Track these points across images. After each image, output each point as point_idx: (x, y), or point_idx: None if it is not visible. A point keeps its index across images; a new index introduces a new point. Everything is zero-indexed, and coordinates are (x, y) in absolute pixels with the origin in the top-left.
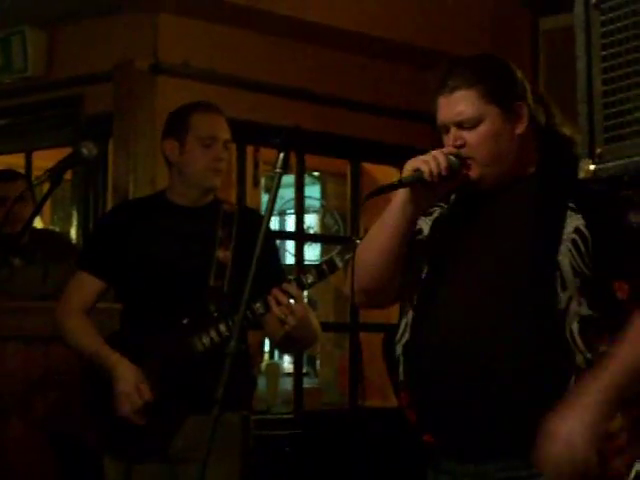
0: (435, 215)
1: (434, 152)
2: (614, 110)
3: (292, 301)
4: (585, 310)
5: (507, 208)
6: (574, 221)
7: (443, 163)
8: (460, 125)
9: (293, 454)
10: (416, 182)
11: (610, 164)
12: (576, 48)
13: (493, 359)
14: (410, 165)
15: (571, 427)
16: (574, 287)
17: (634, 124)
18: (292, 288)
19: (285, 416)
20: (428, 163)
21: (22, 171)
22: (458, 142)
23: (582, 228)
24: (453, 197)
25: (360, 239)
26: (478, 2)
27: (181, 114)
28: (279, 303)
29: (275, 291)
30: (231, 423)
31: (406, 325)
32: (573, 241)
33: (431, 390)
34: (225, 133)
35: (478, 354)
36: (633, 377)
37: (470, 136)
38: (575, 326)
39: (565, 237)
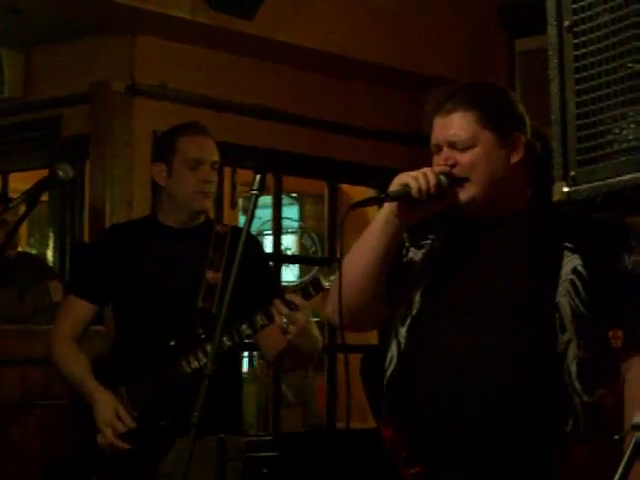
0: (427, 248)
1: (425, 169)
2: (588, 133)
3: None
4: (583, 352)
5: (502, 247)
6: (571, 262)
7: (432, 181)
8: (453, 146)
9: (271, 476)
10: (403, 197)
11: (584, 186)
12: (549, 71)
13: (490, 402)
14: (399, 180)
15: None
16: (573, 329)
17: (607, 146)
18: (297, 298)
19: (263, 437)
20: (417, 179)
21: None
22: (450, 161)
23: (580, 269)
24: (445, 230)
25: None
26: (455, 24)
27: (168, 137)
28: (281, 313)
29: (278, 302)
30: (208, 445)
31: (391, 359)
32: (571, 282)
33: (428, 426)
34: (212, 155)
35: (474, 397)
36: None
37: (462, 157)
38: (573, 369)
39: (563, 278)
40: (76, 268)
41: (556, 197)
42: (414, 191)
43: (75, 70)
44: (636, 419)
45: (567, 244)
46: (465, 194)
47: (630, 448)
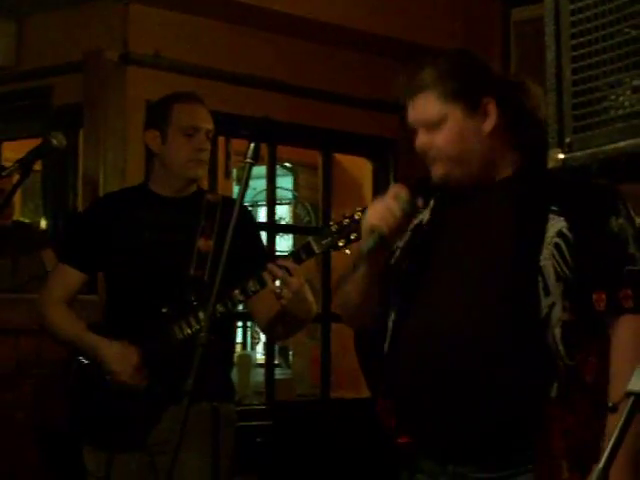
0: (415, 221)
1: (385, 202)
2: (583, 99)
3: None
4: (567, 315)
5: (488, 212)
6: (557, 224)
7: (397, 210)
8: (425, 125)
9: (265, 445)
10: (380, 243)
11: (579, 153)
12: (545, 37)
13: (475, 364)
14: (367, 226)
15: None
16: (557, 292)
17: (603, 113)
18: (288, 262)
19: (257, 407)
20: (384, 219)
21: None
22: (422, 143)
23: (565, 231)
24: (432, 202)
25: (333, 224)
26: None
27: (162, 105)
28: (275, 277)
29: (271, 266)
30: (201, 413)
31: (389, 330)
32: (556, 245)
33: (413, 393)
34: (207, 123)
35: (460, 359)
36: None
37: (436, 137)
38: (557, 332)
39: (548, 241)
40: (67, 236)
41: (551, 164)
42: (385, 232)
43: (68, 39)
44: (631, 385)
45: (553, 207)
46: (439, 171)
47: (625, 413)
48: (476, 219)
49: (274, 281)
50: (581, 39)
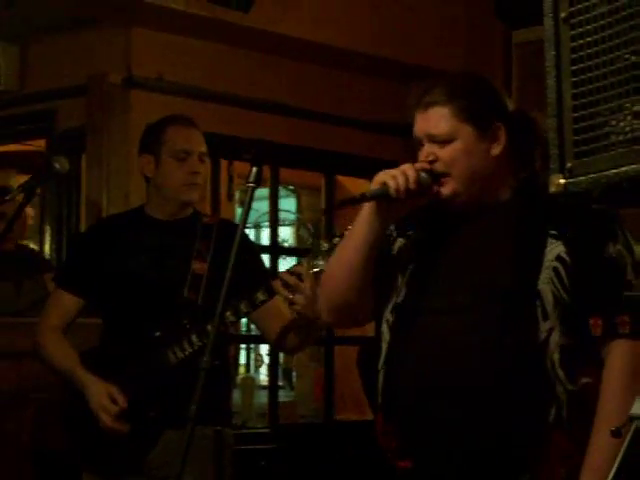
0: (412, 236)
1: (404, 166)
2: (584, 124)
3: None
4: (566, 340)
5: (486, 235)
6: (555, 248)
7: (412, 178)
8: (433, 140)
9: (268, 468)
10: (381, 197)
11: (581, 178)
12: (546, 62)
13: (473, 390)
14: (378, 178)
15: None
16: (555, 317)
17: (604, 138)
18: (300, 268)
19: (260, 430)
20: (396, 178)
21: None
22: (430, 157)
23: (563, 255)
24: (430, 220)
25: (329, 243)
26: (452, 15)
27: (155, 128)
28: (286, 285)
29: (282, 273)
30: (204, 438)
31: (382, 349)
32: (554, 269)
33: (413, 417)
34: (200, 146)
35: (458, 384)
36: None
37: (443, 152)
38: (556, 357)
39: (546, 265)
40: (64, 261)
41: (552, 189)
42: (392, 190)
43: (71, 62)
44: (634, 409)
45: (551, 231)
46: (447, 189)
47: (628, 439)
48: (474, 240)
49: (286, 288)
50: (581, 65)
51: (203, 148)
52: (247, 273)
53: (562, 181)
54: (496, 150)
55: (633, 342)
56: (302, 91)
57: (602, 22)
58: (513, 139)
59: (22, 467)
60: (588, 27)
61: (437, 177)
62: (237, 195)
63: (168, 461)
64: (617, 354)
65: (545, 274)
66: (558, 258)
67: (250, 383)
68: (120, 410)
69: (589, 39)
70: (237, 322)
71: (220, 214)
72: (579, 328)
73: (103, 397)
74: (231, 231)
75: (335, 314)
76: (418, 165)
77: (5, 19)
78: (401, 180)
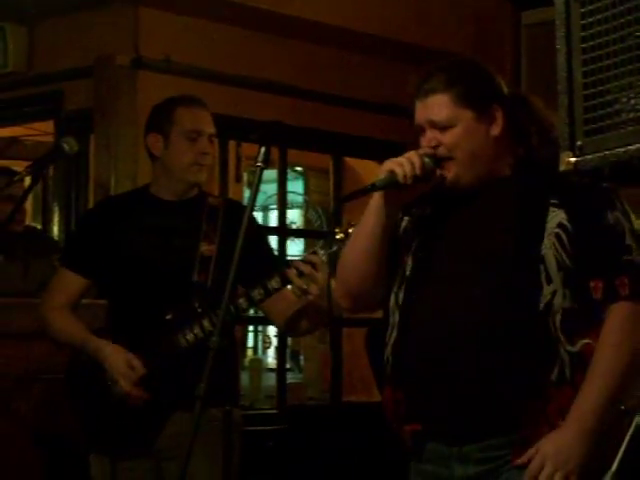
0: (417, 214)
1: (409, 153)
2: (594, 102)
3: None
4: (568, 303)
5: (489, 207)
6: (557, 216)
7: (417, 164)
8: (435, 126)
9: (276, 449)
10: (390, 185)
11: (591, 156)
12: (556, 41)
13: (479, 351)
14: (385, 167)
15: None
16: (559, 280)
17: (614, 116)
18: (315, 257)
19: (268, 411)
20: (402, 166)
21: None
22: (433, 143)
23: (565, 222)
24: (433, 197)
25: (342, 231)
26: None
27: (165, 108)
28: (301, 274)
29: (296, 262)
30: (214, 419)
31: (393, 325)
32: (557, 235)
33: (422, 381)
34: (210, 127)
35: (465, 346)
36: (609, 403)
37: (445, 137)
38: (558, 319)
39: (549, 232)
40: (68, 241)
41: (562, 167)
42: (400, 177)
43: (79, 44)
44: None
45: (553, 200)
46: (450, 173)
47: (630, 432)
48: (477, 214)
49: (300, 277)
50: (592, 42)
51: (213, 129)
52: (256, 256)
53: (572, 159)
54: (495, 131)
55: (632, 303)
56: (310, 72)
57: (612, 0)
58: (510, 119)
59: (29, 448)
60: (598, 4)
61: (440, 161)
62: (245, 177)
63: (177, 443)
64: (616, 314)
65: (548, 240)
66: (560, 225)
67: (258, 365)
68: (138, 377)
69: (599, 16)
70: (249, 308)
71: (228, 196)
72: (581, 292)
73: (121, 363)
74: (238, 212)
75: (351, 300)
76: (422, 151)
77: (13, 1)
78: (407, 167)
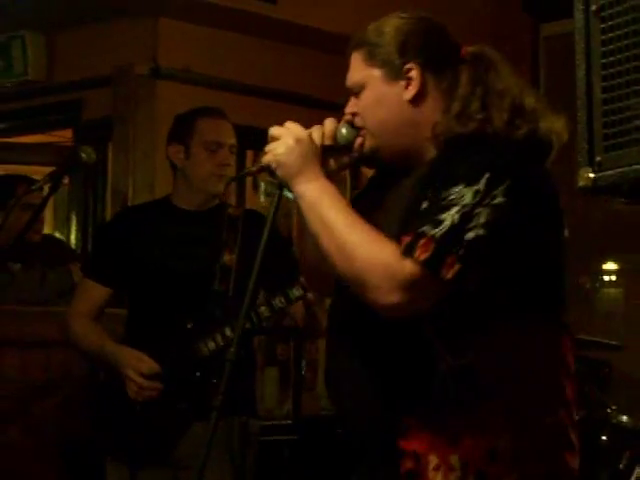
0: (351, 199)
1: (327, 120)
2: (614, 118)
3: None
4: (439, 307)
5: (397, 196)
6: None
7: (328, 132)
8: (352, 92)
9: (291, 459)
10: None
11: (610, 172)
12: (576, 55)
13: (355, 378)
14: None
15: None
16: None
17: (634, 132)
18: None
19: (283, 421)
20: (317, 130)
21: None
22: (349, 110)
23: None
24: (373, 183)
25: None
26: (479, 8)
27: (187, 118)
28: None
29: None
30: (231, 429)
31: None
32: None
33: (330, 387)
34: (231, 138)
35: (346, 371)
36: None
37: (358, 103)
38: (432, 327)
39: None
40: (91, 251)
41: (581, 183)
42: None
43: (98, 53)
44: None
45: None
46: (366, 144)
47: None
48: (387, 203)
49: None
50: (611, 58)
51: (234, 140)
52: (277, 264)
53: (591, 175)
54: (408, 94)
55: (420, 268)
56: (329, 83)
57: (633, 15)
58: (453, 85)
59: (47, 455)
60: (619, 20)
61: (358, 131)
62: (262, 186)
63: (195, 452)
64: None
65: None
66: None
67: (273, 374)
68: (148, 368)
69: (619, 32)
70: (272, 317)
71: (245, 205)
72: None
73: (133, 359)
74: (257, 221)
75: (313, 283)
76: (346, 118)
77: (33, 9)
78: (316, 133)
